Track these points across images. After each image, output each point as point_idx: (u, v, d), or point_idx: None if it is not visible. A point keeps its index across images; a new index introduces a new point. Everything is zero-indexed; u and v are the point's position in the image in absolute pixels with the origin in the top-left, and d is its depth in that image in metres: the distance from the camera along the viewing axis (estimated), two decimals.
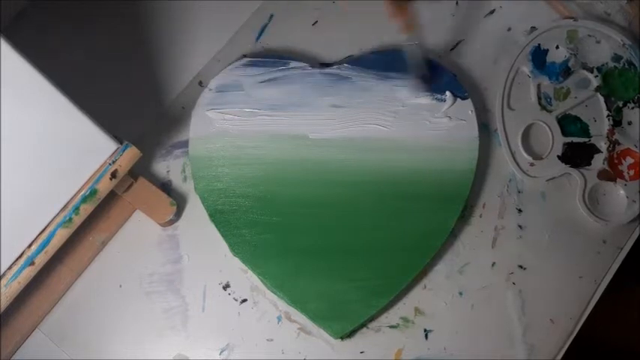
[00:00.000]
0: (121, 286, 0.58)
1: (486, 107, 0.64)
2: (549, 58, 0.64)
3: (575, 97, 0.63)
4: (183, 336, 0.57)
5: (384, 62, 0.62)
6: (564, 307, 0.59)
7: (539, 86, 0.64)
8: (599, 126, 0.63)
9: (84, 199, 0.51)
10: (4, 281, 0.50)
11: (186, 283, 0.58)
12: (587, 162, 0.62)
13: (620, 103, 0.64)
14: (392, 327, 0.58)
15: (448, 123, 0.61)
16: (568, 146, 0.62)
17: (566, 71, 0.64)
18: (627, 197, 0.61)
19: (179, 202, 0.59)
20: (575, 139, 0.63)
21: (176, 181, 0.61)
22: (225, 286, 0.58)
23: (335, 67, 0.62)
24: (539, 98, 0.63)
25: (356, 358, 0.57)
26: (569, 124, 0.63)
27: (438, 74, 0.62)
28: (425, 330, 0.58)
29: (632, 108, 0.64)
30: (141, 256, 0.59)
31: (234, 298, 0.58)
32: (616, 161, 0.62)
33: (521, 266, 0.60)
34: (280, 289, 0.57)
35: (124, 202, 0.58)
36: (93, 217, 0.55)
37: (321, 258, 0.57)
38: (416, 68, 0.60)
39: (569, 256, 0.60)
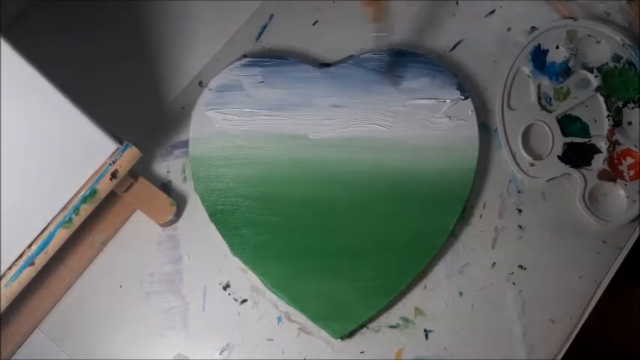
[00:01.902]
0: (121, 286, 0.58)
1: (486, 107, 0.64)
2: (549, 58, 0.64)
3: (575, 97, 0.63)
4: (183, 336, 0.57)
5: (384, 62, 0.62)
6: (564, 307, 0.59)
7: (539, 86, 0.64)
8: (599, 126, 0.63)
9: (84, 199, 0.51)
10: (4, 281, 0.50)
11: (186, 283, 0.58)
12: (587, 162, 0.62)
13: (620, 103, 0.64)
14: (392, 327, 0.58)
15: (448, 123, 0.61)
16: (568, 146, 0.62)
17: (566, 71, 0.64)
18: (627, 197, 0.61)
19: (179, 202, 0.59)
20: (575, 139, 0.63)
21: (176, 181, 0.61)
22: (225, 286, 0.58)
23: (335, 67, 0.62)
24: (539, 98, 0.63)
25: (356, 358, 0.57)
26: (569, 124, 0.63)
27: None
28: (425, 330, 0.58)
29: (632, 108, 0.63)
30: (141, 256, 0.59)
31: (234, 298, 0.58)
32: (616, 161, 0.62)
33: (521, 266, 0.60)
34: (280, 289, 0.57)
35: (124, 202, 0.58)
36: (93, 217, 0.55)
37: (321, 258, 0.57)
38: (384, 62, 0.61)
39: (569, 256, 0.60)
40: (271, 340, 0.57)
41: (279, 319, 0.58)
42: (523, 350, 0.58)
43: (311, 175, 0.59)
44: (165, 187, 0.60)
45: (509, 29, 0.66)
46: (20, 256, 0.50)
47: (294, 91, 0.61)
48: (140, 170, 0.59)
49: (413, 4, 0.66)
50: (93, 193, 0.52)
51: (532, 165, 0.62)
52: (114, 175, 0.52)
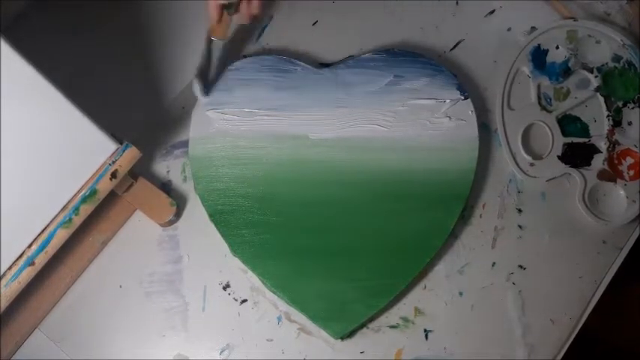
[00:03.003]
0: (121, 286, 0.58)
1: (486, 107, 0.64)
2: (549, 58, 0.64)
3: (575, 97, 0.64)
4: (183, 336, 0.57)
5: (384, 62, 0.62)
6: (564, 307, 0.59)
7: (539, 86, 0.64)
8: (599, 126, 0.63)
9: (84, 200, 0.51)
10: (4, 281, 0.50)
11: (186, 283, 0.58)
12: (587, 162, 0.62)
13: (620, 103, 0.64)
14: (392, 327, 0.58)
15: (448, 123, 0.61)
16: (568, 146, 0.62)
17: (566, 71, 0.64)
18: (627, 197, 0.61)
19: (179, 202, 0.59)
20: (575, 139, 0.63)
21: (176, 181, 0.61)
22: (225, 286, 0.58)
23: (335, 67, 0.62)
24: (539, 98, 0.63)
25: (356, 358, 0.57)
26: (569, 124, 0.63)
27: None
28: (425, 330, 0.58)
29: (632, 108, 0.64)
30: (141, 256, 0.59)
31: (234, 298, 0.58)
32: (616, 161, 0.62)
33: (521, 266, 0.60)
34: (280, 289, 0.57)
35: (124, 202, 0.58)
36: (93, 217, 0.55)
37: (321, 258, 0.57)
38: (205, 64, 0.60)
39: (569, 256, 0.60)
40: (271, 340, 0.57)
41: (279, 319, 0.58)
42: (523, 350, 0.58)
43: (311, 175, 0.59)
44: (165, 187, 0.60)
45: (509, 29, 0.66)
46: (20, 256, 0.50)
47: (294, 91, 0.61)
48: (140, 170, 0.59)
49: (413, 4, 0.66)
50: (93, 193, 0.52)
51: (532, 165, 0.62)
52: (114, 175, 0.52)
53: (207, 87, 0.60)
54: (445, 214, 0.59)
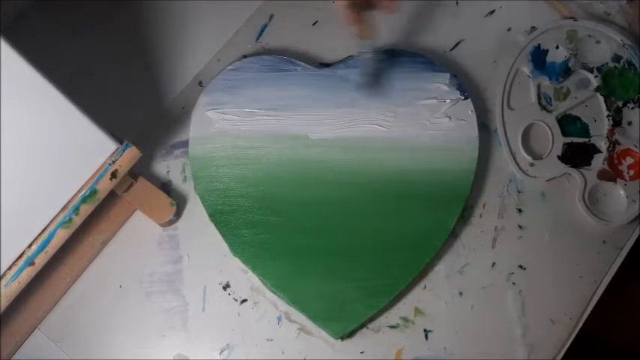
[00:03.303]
0: (121, 286, 0.58)
1: (486, 107, 0.64)
2: (549, 58, 0.64)
3: (575, 97, 0.64)
4: (183, 336, 0.57)
5: (384, 62, 0.62)
6: (564, 307, 0.59)
7: (539, 86, 0.64)
8: (599, 126, 0.63)
9: (84, 200, 0.51)
10: (4, 281, 0.50)
11: (186, 283, 0.58)
12: (587, 162, 0.62)
13: (620, 103, 0.64)
14: (392, 327, 0.58)
15: (448, 123, 0.61)
16: (568, 146, 0.62)
17: (566, 71, 0.64)
18: (627, 197, 0.61)
19: (179, 202, 0.59)
20: (575, 139, 0.63)
21: (176, 181, 0.61)
22: (225, 286, 0.58)
23: (335, 67, 0.62)
24: (539, 98, 0.63)
25: (356, 358, 0.57)
26: (569, 124, 0.63)
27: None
28: (425, 330, 0.58)
29: (632, 108, 0.64)
30: (141, 256, 0.59)
31: (234, 298, 0.58)
32: (616, 161, 0.62)
33: (521, 266, 0.60)
34: (280, 289, 0.57)
35: (124, 202, 0.58)
36: (93, 217, 0.55)
37: (321, 258, 0.57)
38: (366, 74, 0.61)
39: (569, 256, 0.60)
40: (271, 340, 0.57)
41: (279, 319, 0.58)
42: (523, 350, 0.58)
43: (311, 175, 0.59)
44: (165, 187, 0.60)
45: (509, 29, 0.66)
46: (20, 256, 0.50)
47: (294, 91, 0.61)
48: (140, 170, 0.59)
49: (413, 4, 0.66)
50: (93, 193, 0.52)
51: (532, 165, 0.62)
52: (114, 175, 0.52)
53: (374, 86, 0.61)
54: (445, 214, 0.59)
